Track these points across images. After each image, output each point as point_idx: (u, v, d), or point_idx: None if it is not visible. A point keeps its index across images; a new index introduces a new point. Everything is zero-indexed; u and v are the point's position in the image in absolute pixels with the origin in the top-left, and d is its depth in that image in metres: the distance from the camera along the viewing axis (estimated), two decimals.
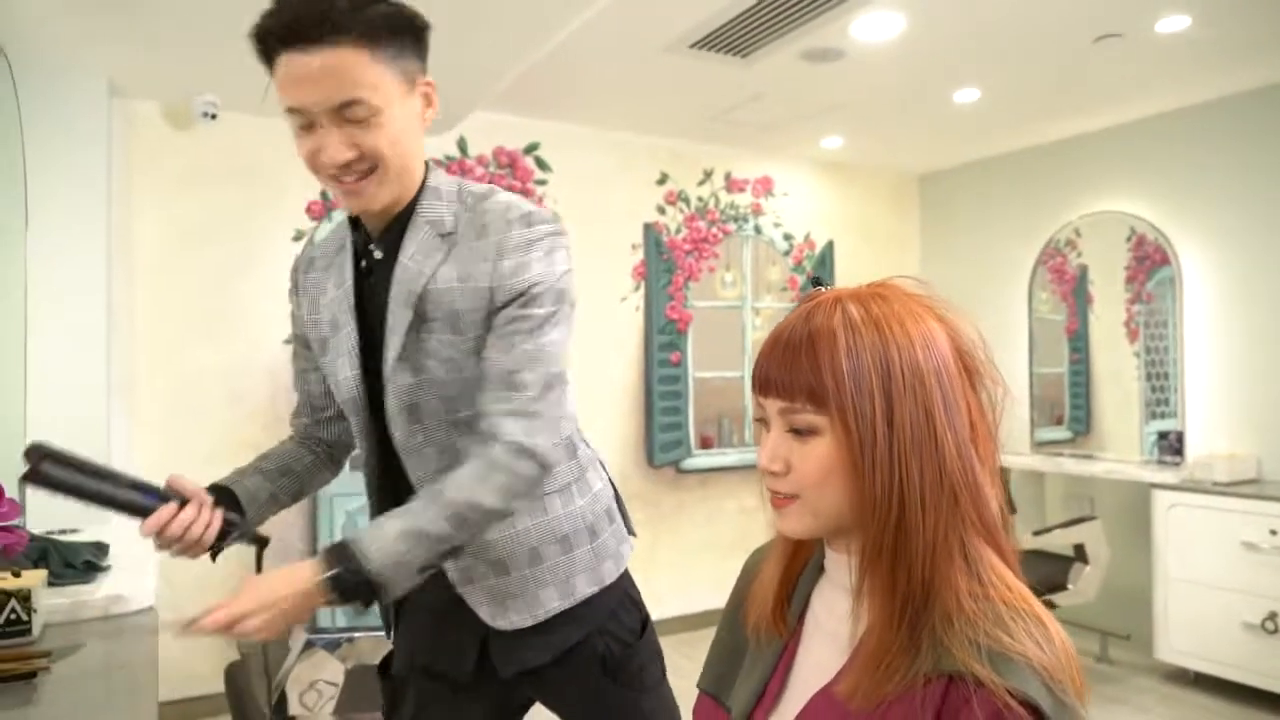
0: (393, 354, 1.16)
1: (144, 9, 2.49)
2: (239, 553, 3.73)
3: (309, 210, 3.55)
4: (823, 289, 0.84)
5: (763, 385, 0.81)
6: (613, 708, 1.27)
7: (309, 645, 2.04)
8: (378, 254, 1.19)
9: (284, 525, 3.43)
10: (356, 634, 2.15)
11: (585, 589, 1.25)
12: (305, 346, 1.34)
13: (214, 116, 3.15)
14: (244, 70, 2.98)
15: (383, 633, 1.40)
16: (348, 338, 1.20)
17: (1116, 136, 4.06)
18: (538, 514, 1.23)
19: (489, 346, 1.13)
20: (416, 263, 1.15)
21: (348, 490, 3.56)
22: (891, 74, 3.31)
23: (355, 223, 1.24)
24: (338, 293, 1.23)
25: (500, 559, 1.22)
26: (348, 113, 1.05)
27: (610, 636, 1.27)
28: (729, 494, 4.40)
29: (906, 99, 3.65)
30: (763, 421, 0.83)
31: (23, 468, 1.07)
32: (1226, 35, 2.97)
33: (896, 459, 0.75)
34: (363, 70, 1.04)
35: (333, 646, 2.06)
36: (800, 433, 0.78)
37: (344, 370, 1.21)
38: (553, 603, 1.23)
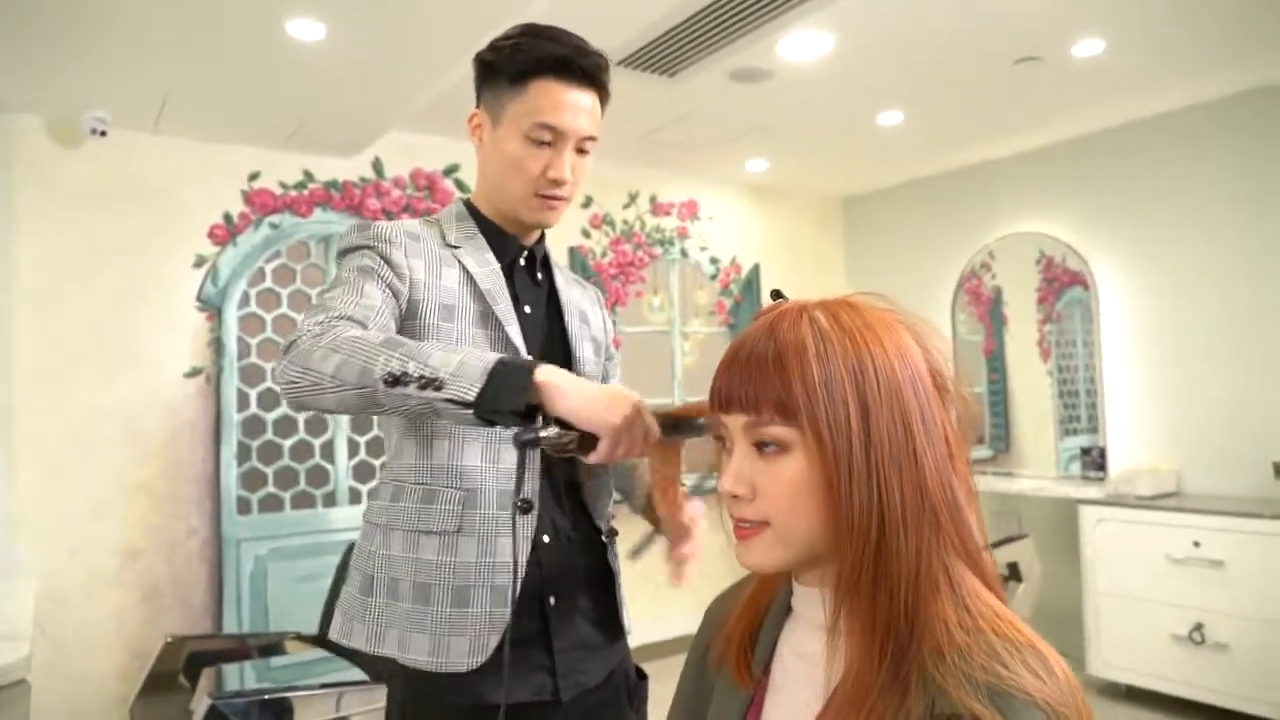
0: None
1: (19, 16, 2.27)
2: (142, 627, 3.37)
3: (211, 234, 3.32)
4: (784, 300, 0.77)
5: (725, 402, 0.73)
6: None
7: (213, 711, 1.84)
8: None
9: (188, 582, 3.17)
10: (267, 695, 1.96)
11: (627, 618, 1.35)
12: None
13: (104, 134, 2.92)
14: (137, 86, 2.80)
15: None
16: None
17: (1035, 159, 4.16)
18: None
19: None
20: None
21: (256, 535, 3.32)
22: (817, 95, 3.30)
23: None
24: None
25: (616, 569, 1.32)
26: (586, 145, 1.25)
27: (630, 668, 1.37)
28: None
29: (832, 121, 3.65)
30: (722, 441, 0.75)
31: None
32: (1140, 60, 3.06)
33: (875, 473, 0.68)
34: (599, 116, 1.27)
35: (239, 711, 1.86)
36: (767, 450, 0.71)
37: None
38: (620, 622, 1.31)
